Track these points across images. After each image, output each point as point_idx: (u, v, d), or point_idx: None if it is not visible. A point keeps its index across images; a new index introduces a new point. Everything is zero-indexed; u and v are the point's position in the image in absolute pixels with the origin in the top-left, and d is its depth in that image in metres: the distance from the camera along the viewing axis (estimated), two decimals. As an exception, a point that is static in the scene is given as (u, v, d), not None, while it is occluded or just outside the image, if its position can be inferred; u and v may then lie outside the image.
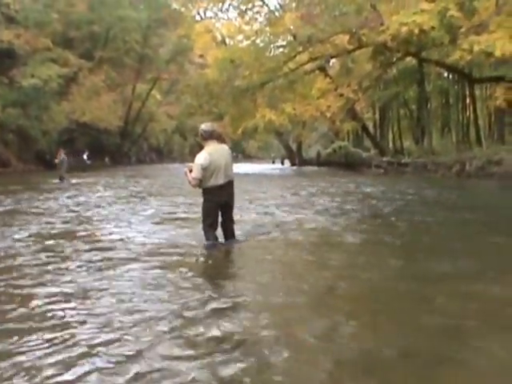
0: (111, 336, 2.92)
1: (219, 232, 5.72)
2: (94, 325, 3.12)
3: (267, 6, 25.61)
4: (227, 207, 5.71)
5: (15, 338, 2.91)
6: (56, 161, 19.07)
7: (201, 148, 5.72)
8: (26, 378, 2.42)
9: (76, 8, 35.07)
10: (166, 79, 48.32)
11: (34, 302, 3.60)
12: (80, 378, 2.41)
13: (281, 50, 23.19)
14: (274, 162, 50.77)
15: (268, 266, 4.89)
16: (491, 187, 16.03)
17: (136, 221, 7.89)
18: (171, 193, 13.69)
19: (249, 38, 25.22)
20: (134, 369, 2.48)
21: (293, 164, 42.43)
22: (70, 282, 4.15)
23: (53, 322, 3.20)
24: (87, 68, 35.56)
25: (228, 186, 5.64)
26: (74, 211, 9.36)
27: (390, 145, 35.43)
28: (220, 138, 5.69)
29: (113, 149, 45.37)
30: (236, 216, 6.18)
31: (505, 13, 15.50)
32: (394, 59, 22.32)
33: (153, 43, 43.47)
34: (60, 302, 3.62)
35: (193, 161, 5.60)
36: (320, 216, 8.33)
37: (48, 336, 2.93)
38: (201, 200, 5.75)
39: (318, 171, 30.14)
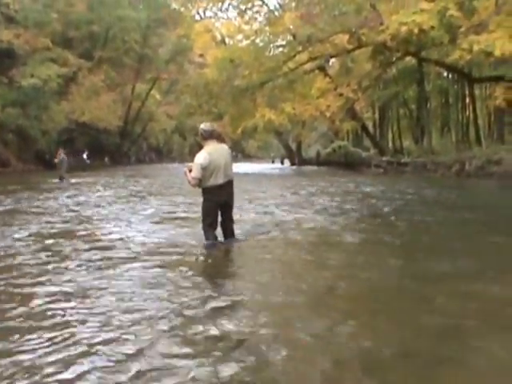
0: (111, 335, 2.93)
1: (219, 231, 5.72)
2: (94, 324, 3.12)
3: (267, 5, 25.63)
4: (227, 207, 5.71)
5: (15, 336, 2.92)
6: (56, 160, 19.07)
7: (200, 148, 5.72)
8: (26, 376, 2.42)
9: (75, 8, 35.05)
10: (166, 79, 48.27)
11: (34, 301, 3.60)
12: (80, 376, 2.42)
13: (280, 49, 23.21)
14: (273, 162, 50.67)
15: (267, 265, 4.89)
16: (491, 187, 16.03)
17: (136, 220, 7.89)
18: (171, 192, 13.69)
19: (248, 37, 25.22)
20: (134, 367, 2.49)
21: (292, 164, 42.38)
22: (70, 281, 4.16)
23: (53, 320, 3.21)
24: (87, 68, 35.50)
25: (228, 186, 5.64)
26: (73, 211, 9.36)
27: (390, 144, 35.42)
28: (220, 138, 5.69)
29: (112, 148, 45.33)
30: (235, 215, 6.19)
31: (504, 12, 15.51)
32: (394, 59, 22.32)
33: (152, 43, 43.38)
34: (60, 301, 3.62)
35: (192, 160, 5.60)
36: (319, 215, 8.34)
37: (48, 335, 2.94)
38: (200, 199, 5.76)
39: (318, 171, 30.12)
